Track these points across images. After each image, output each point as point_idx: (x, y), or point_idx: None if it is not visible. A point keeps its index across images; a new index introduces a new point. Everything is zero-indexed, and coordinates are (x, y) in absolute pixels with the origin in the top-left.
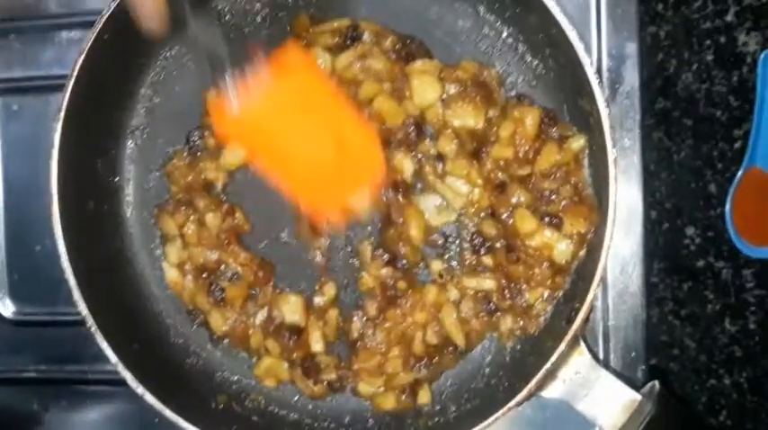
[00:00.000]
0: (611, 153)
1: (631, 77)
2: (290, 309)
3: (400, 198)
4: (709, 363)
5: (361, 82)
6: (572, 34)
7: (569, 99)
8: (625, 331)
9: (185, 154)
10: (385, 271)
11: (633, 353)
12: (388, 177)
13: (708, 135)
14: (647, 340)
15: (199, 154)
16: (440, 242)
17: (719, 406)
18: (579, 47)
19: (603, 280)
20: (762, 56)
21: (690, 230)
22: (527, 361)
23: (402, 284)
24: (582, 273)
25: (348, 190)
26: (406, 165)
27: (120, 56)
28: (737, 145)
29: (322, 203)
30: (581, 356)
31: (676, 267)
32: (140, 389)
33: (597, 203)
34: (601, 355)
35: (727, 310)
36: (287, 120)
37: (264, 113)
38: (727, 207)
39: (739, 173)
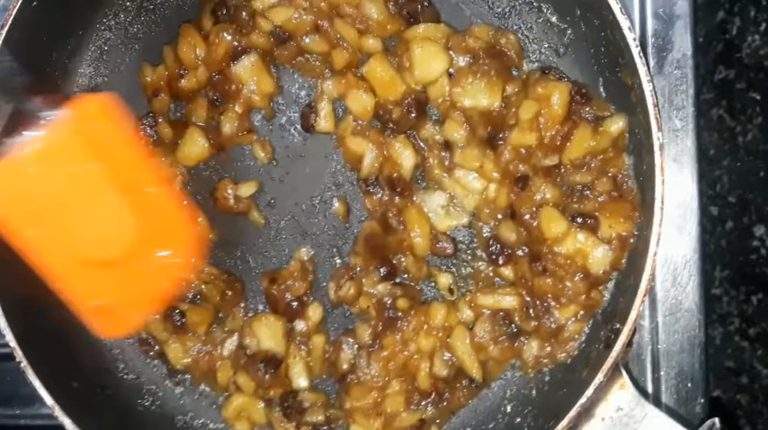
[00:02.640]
0: (658, 137)
1: (683, 42)
2: (267, 335)
3: (398, 198)
4: None
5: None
6: None
7: (605, 71)
8: (679, 356)
9: None
10: (381, 287)
11: (689, 384)
12: (383, 171)
13: None
14: (706, 367)
15: (152, 146)
16: (448, 250)
17: None
18: (616, 5)
19: (651, 294)
20: None
21: (759, 230)
22: (557, 395)
23: (403, 303)
24: (623, 285)
25: (152, 277)
26: (404, 155)
27: (53, 24)
28: None
29: (115, 297)
30: (623, 390)
31: (743, 276)
32: None
33: (641, 199)
34: (649, 387)
35: None
36: (69, 186)
37: (40, 173)
38: None
39: None
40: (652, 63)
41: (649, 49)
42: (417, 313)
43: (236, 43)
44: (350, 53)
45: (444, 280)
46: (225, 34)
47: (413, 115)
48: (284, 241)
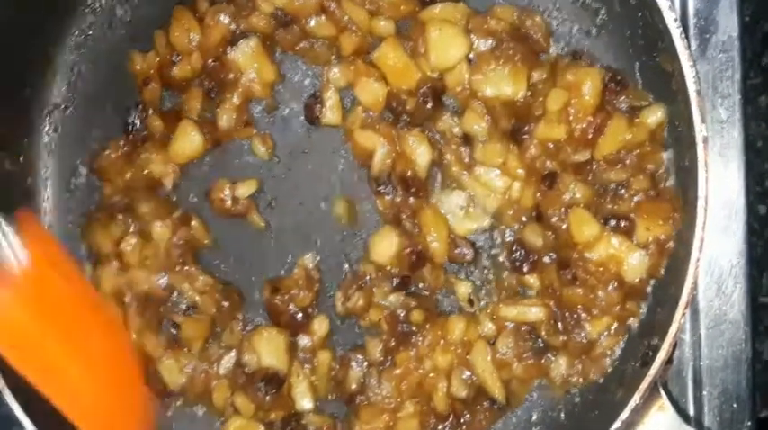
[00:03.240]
0: (701, 129)
1: (728, 23)
2: (268, 350)
3: (412, 199)
4: None
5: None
6: None
7: (642, 56)
8: (723, 373)
9: (122, 142)
10: (394, 298)
11: (735, 404)
12: (395, 168)
13: None
14: (753, 385)
15: (140, 142)
16: (468, 256)
17: None
18: None
19: (693, 304)
20: None
21: None
22: (588, 418)
23: (417, 316)
24: (662, 296)
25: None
26: (419, 151)
27: (33, 8)
28: None
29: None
30: (662, 412)
31: None
32: None
33: (682, 199)
34: (690, 409)
35: None
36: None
37: None
38: None
39: None
40: (694, 46)
41: (691, 31)
42: (433, 327)
43: (233, 27)
44: (359, 37)
45: (463, 289)
46: (222, 16)
47: (429, 106)
48: (287, 246)
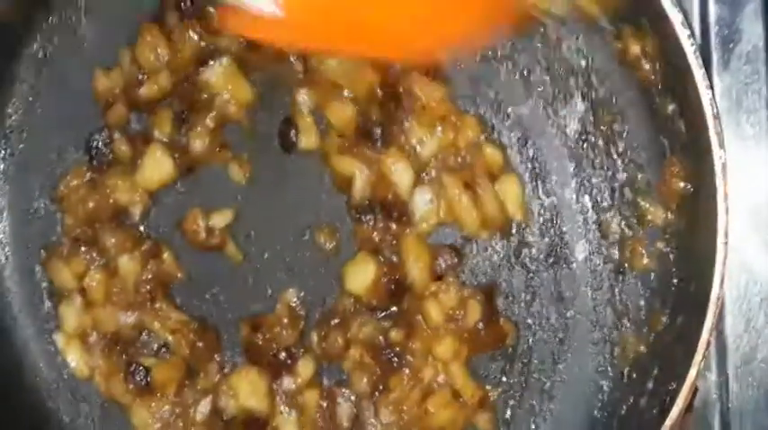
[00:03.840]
0: (719, 156)
1: (753, 31)
2: (247, 393)
3: (394, 225)
4: None
5: None
6: None
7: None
8: (754, 417)
9: (85, 168)
10: (367, 328)
11: None
12: (376, 193)
13: None
14: None
15: (105, 167)
16: (451, 262)
17: None
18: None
19: (720, 342)
20: None
21: None
22: None
23: (396, 335)
24: (682, 331)
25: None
26: (398, 169)
27: None
28: None
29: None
30: None
31: None
32: None
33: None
34: None
35: None
36: None
37: None
38: None
39: None
40: (716, 57)
41: (712, 41)
42: (417, 337)
43: (203, 44)
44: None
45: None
46: (191, 33)
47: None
48: (267, 280)
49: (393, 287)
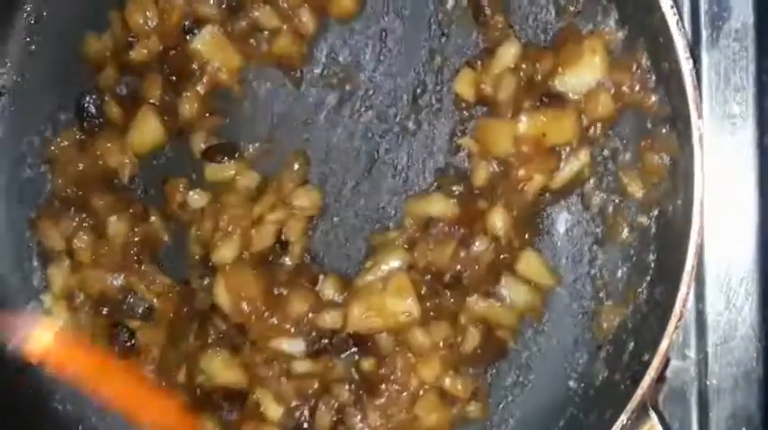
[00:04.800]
0: (697, 127)
1: (743, 8)
2: (220, 369)
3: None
4: None
5: None
6: None
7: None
8: (732, 395)
9: (76, 130)
10: (339, 368)
11: (744, 428)
12: None
13: None
14: (765, 408)
15: (96, 130)
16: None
17: None
18: None
19: (700, 320)
20: None
21: None
22: None
23: (368, 365)
24: (654, 308)
25: None
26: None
27: None
28: None
29: None
30: None
31: None
32: None
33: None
34: None
35: None
36: None
37: None
38: None
39: None
40: (705, 35)
41: (702, 18)
42: (396, 356)
43: (188, 9)
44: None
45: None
46: None
47: None
48: None
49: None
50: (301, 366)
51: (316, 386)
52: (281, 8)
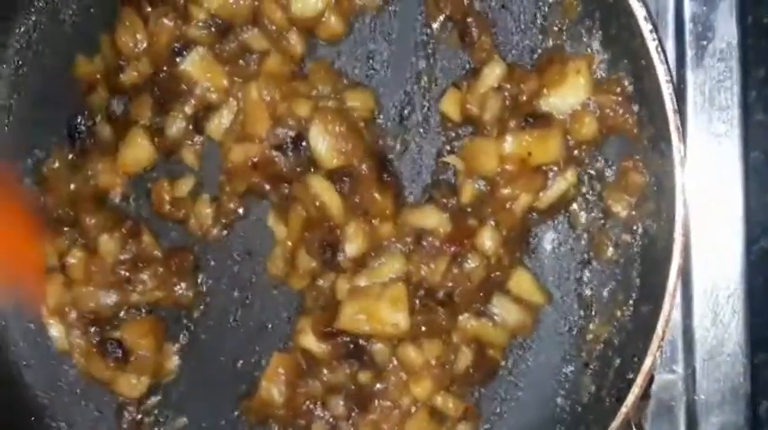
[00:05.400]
0: (679, 149)
1: (727, 29)
2: None
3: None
4: None
5: None
6: None
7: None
8: (720, 409)
9: (67, 150)
10: (338, 375)
11: None
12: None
13: None
14: (753, 422)
15: (87, 150)
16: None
17: None
18: None
19: (687, 336)
20: None
21: None
22: None
23: (364, 377)
24: (639, 327)
25: None
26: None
27: None
28: None
29: None
30: None
31: None
32: None
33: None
34: None
35: None
36: None
37: None
38: None
39: None
40: (690, 54)
41: (687, 37)
42: (389, 372)
43: (177, 33)
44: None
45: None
46: (165, 20)
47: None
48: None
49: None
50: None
51: (320, 388)
52: (270, 31)
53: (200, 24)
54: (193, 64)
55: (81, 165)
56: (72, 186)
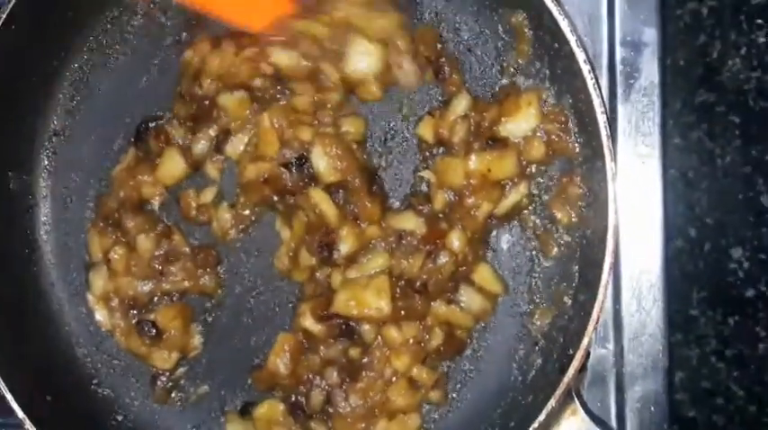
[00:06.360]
0: (611, 167)
1: (650, 70)
2: None
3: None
4: (760, 415)
5: None
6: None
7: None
8: (643, 380)
9: (131, 159)
10: (331, 352)
11: (652, 407)
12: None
13: (759, 135)
14: (669, 391)
15: (142, 162)
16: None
17: None
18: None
19: (617, 319)
20: None
21: (737, 252)
22: (511, 417)
23: (355, 352)
24: (578, 312)
25: None
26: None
27: (34, 48)
28: None
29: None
30: (574, 415)
31: (720, 297)
32: None
33: (594, 230)
34: (613, 409)
35: None
36: None
37: None
38: None
39: None
40: (620, 91)
41: (618, 78)
42: (375, 350)
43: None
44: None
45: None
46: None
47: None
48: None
49: (344, 328)
50: (314, 327)
51: (318, 362)
52: (319, 85)
53: (263, 76)
54: (233, 101)
55: (141, 170)
56: (121, 194)
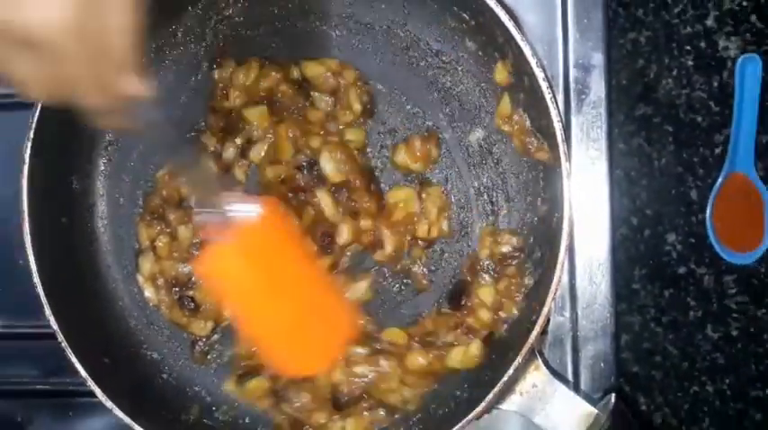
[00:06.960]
0: (565, 167)
1: (598, 87)
2: None
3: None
4: (691, 371)
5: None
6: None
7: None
8: (594, 342)
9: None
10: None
11: (602, 364)
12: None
13: (689, 141)
14: (616, 351)
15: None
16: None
17: (702, 413)
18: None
19: (572, 291)
20: (740, 60)
21: (671, 237)
22: (483, 372)
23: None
24: (543, 285)
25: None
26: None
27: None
28: (718, 150)
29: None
30: (537, 370)
31: (658, 274)
32: (110, 404)
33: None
34: (570, 366)
35: (709, 317)
36: (255, 272)
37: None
38: (708, 213)
39: (720, 178)
40: (573, 105)
41: (571, 94)
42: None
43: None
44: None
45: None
46: (274, 73)
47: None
48: None
49: None
50: None
51: None
52: (339, 101)
53: (290, 81)
54: (256, 114)
55: (173, 178)
56: (164, 193)
